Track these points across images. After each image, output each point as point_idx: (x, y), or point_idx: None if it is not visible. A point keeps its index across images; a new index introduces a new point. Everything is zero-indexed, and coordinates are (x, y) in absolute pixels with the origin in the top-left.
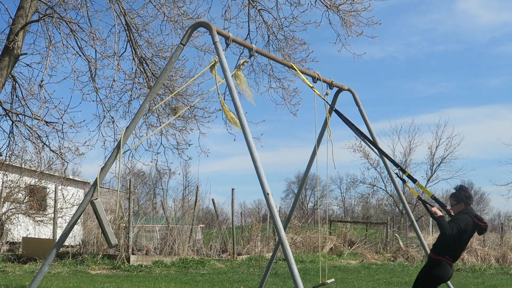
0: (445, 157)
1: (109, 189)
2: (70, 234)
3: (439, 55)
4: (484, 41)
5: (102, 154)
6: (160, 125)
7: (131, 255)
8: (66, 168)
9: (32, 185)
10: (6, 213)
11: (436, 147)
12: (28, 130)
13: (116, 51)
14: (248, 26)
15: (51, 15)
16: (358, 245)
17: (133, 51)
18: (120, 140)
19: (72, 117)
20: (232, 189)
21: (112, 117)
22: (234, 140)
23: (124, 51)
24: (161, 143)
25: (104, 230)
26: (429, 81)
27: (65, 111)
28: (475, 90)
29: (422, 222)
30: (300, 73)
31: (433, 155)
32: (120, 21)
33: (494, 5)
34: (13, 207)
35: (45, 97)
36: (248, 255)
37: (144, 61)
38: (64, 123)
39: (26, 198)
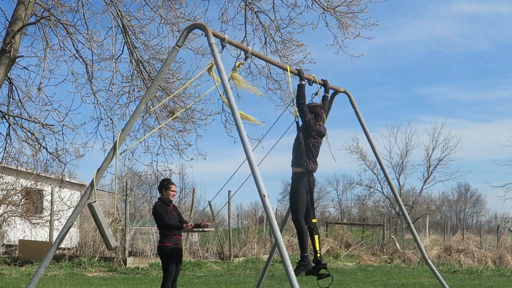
0: (441, 159)
1: (105, 191)
2: (67, 237)
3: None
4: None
5: (98, 156)
6: (158, 127)
7: (127, 258)
8: (63, 170)
9: (28, 188)
10: (3, 216)
11: (433, 148)
12: (25, 132)
13: (113, 53)
14: (245, 28)
15: (48, 17)
16: (354, 247)
17: (130, 53)
18: (116, 141)
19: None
20: (229, 191)
21: (110, 119)
22: (234, 142)
23: (121, 54)
24: (160, 144)
25: (103, 232)
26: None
27: (66, 114)
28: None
29: (418, 224)
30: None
31: (429, 157)
32: (117, 24)
33: None
34: (9, 209)
35: (44, 100)
36: (245, 257)
37: (141, 64)
38: (64, 125)
39: (23, 200)
